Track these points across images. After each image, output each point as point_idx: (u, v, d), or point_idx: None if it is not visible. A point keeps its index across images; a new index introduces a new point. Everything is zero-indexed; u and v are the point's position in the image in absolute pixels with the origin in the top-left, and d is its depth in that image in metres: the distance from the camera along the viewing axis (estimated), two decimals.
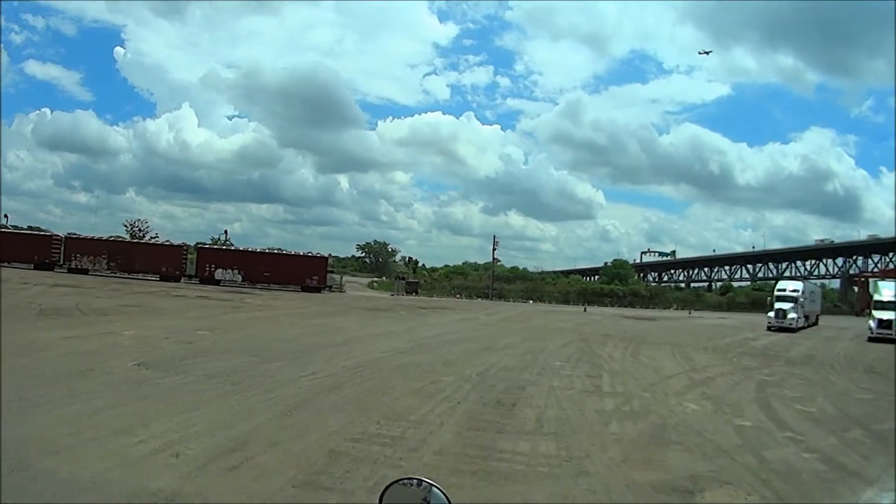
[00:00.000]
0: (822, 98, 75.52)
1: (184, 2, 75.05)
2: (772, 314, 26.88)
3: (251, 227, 75.23)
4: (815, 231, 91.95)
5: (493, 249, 55.90)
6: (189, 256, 38.11)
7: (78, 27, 75.82)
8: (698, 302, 51.77)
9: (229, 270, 37.47)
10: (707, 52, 60.41)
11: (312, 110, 71.36)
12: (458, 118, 76.13)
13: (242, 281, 37.70)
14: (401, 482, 1.59)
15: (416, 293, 47.09)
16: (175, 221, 71.22)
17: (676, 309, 48.47)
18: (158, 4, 75.87)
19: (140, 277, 36.34)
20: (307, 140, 79.36)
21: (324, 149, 74.40)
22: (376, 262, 71.68)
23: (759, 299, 54.07)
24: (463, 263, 63.69)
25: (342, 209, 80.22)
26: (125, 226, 54.77)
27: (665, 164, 69.86)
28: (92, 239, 38.27)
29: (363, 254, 73.48)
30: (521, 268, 59.46)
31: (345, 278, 58.13)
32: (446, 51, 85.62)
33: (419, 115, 77.79)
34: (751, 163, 68.95)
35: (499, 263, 56.35)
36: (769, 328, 26.20)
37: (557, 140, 76.73)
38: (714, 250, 67.56)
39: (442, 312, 27.31)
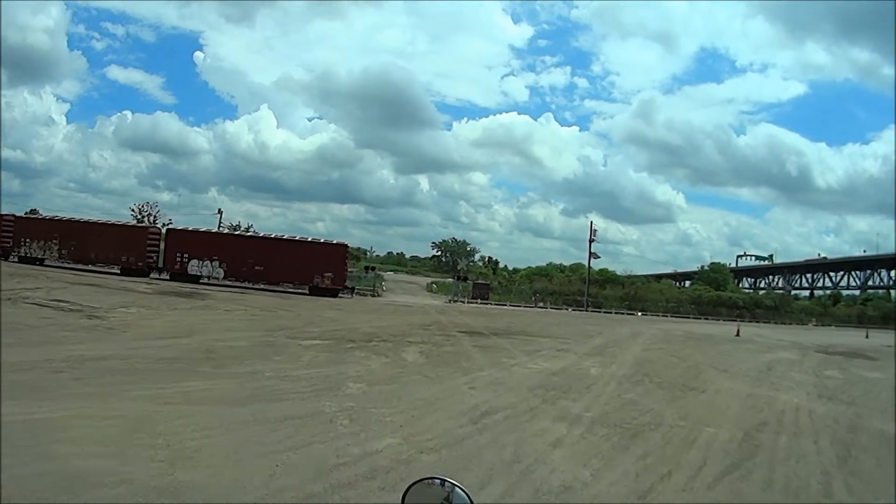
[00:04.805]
0: None
1: (253, 8, 75.05)
2: None
3: (334, 226, 72.83)
4: None
5: (590, 241, 39.42)
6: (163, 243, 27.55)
7: (157, 34, 75.02)
8: (826, 315, 44.29)
9: (207, 262, 26.21)
10: None
11: (388, 111, 70.06)
12: (535, 119, 74.15)
13: (225, 277, 26.40)
14: (424, 481, 1.52)
15: (485, 298, 32.92)
16: (258, 220, 68.94)
17: (817, 325, 39.09)
18: (230, 11, 73.70)
19: (99, 269, 26.62)
20: (384, 141, 78.02)
21: (401, 149, 73.12)
22: (454, 261, 66.00)
23: (889, 312, 44.83)
24: (547, 264, 54.61)
25: (423, 210, 77.82)
26: (132, 210, 45.47)
27: (743, 166, 65.44)
28: (42, 219, 29.35)
29: (439, 252, 69.54)
30: (609, 270, 47.97)
31: (404, 277, 48.18)
32: (522, 52, 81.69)
33: (493, 116, 75.72)
34: (830, 164, 65.40)
35: (597, 258, 40.61)
36: None
37: (632, 141, 73.29)
38: (819, 254, 61.31)
39: (499, 348, 12.58)
